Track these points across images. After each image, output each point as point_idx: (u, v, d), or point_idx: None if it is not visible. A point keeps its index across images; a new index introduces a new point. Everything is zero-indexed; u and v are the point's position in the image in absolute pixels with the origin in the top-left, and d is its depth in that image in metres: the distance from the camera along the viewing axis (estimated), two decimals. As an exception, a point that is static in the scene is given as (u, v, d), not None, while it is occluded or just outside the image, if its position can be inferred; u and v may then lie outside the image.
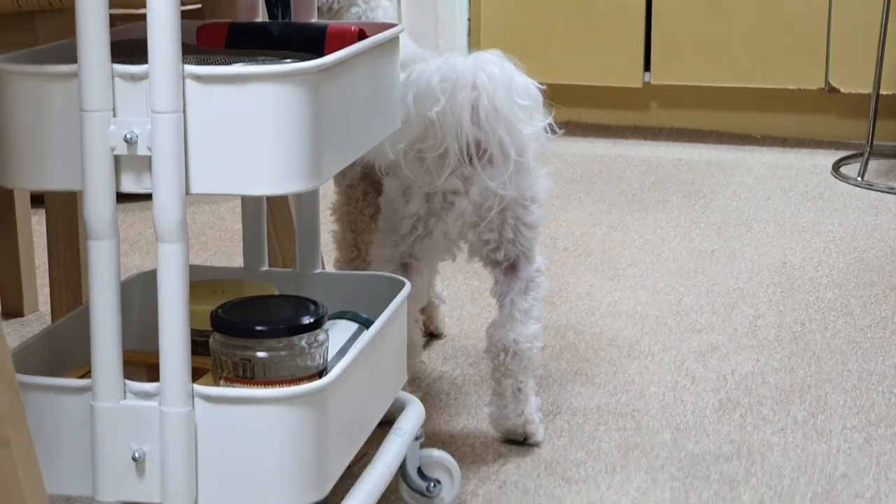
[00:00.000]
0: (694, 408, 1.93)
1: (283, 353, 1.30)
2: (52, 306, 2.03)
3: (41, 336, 1.40)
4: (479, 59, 1.64)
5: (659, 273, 2.54)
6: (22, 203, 2.27)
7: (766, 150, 3.58)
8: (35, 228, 2.35)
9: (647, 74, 3.69)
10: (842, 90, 3.59)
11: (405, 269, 1.72)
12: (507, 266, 1.75)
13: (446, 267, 2.53)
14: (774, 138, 3.67)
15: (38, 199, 2.44)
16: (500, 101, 1.61)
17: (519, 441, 1.79)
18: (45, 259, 2.30)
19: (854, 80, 3.57)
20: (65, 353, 1.42)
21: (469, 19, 3.84)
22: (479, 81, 1.61)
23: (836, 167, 3.38)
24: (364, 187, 1.98)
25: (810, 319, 2.29)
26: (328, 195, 2.93)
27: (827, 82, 3.59)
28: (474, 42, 3.76)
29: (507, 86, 1.62)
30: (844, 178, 3.27)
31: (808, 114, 3.67)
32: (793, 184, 3.23)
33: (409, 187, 1.69)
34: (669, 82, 3.69)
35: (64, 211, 1.94)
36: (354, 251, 2.02)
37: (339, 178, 2.02)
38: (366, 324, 1.48)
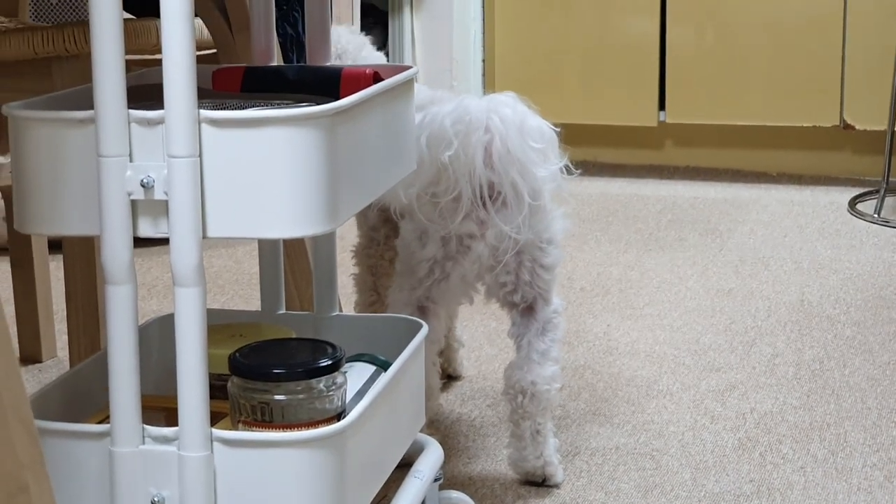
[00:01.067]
0: (713, 447, 1.92)
1: (301, 396, 1.30)
2: (70, 352, 2.03)
3: (60, 382, 1.40)
4: (493, 102, 1.64)
5: (676, 312, 2.53)
6: (40, 249, 2.27)
7: (782, 188, 3.58)
8: (53, 274, 2.35)
9: (661, 113, 3.70)
10: (857, 127, 3.59)
11: (423, 312, 1.72)
12: (525, 308, 1.74)
13: (464, 308, 2.53)
14: (790, 176, 3.67)
15: (55, 245, 2.44)
16: (513, 144, 1.61)
17: (538, 483, 1.78)
18: (63, 305, 2.31)
19: (869, 117, 3.57)
20: (83, 399, 1.42)
21: (483, 60, 3.85)
22: (491, 124, 1.62)
23: (853, 204, 3.37)
24: (386, 230, 1.98)
25: (829, 357, 2.28)
26: (345, 237, 2.93)
27: (842, 119, 3.59)
28: (489, 83, 3.77)
29: (519, 128, 1.62)
30: (861, 215, 3.27)
31: (823, 151, 3.67)
32: (809, 221, 3.22)
33: (424, 231, 1.69)
34: (684, 121, 3.70)
35: (81, 256, 1.94)
36: (374, 295, 2.02)
37: (362, 220, 2.02)
38: (384, 366, 1.48)
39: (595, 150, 3.79)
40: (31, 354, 2.30)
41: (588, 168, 3.75)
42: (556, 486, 1.78)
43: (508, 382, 1.75)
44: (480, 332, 2.42)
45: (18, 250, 2.26)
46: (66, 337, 2.21)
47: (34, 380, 2.19)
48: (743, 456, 1.89)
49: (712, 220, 3.23)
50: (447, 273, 1.70)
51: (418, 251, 1.70)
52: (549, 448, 1.76)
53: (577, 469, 1.84)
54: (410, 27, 3.82)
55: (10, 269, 2.30)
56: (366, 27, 3.74)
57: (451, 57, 3.79)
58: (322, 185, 1.21)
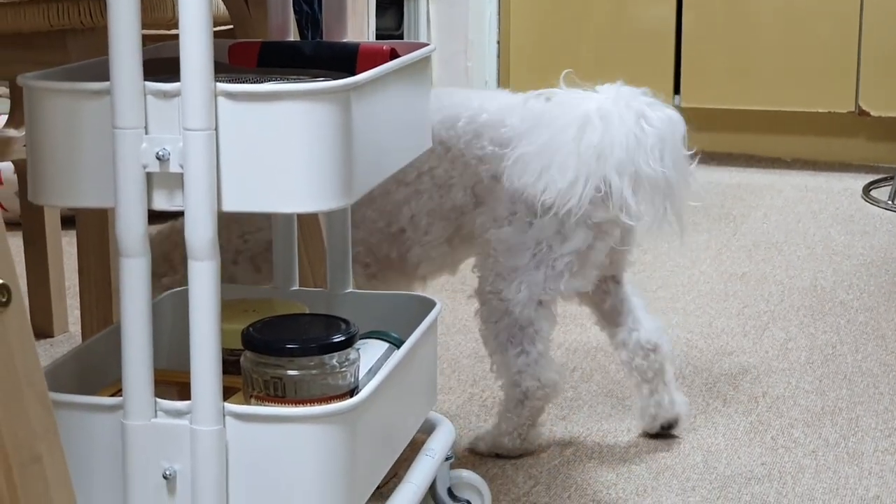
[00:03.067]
0: (725, 430, 1.92)
1: (314, 371, 1.29)
2: (82, 326, 2.03)
3: (72, 355, 1.40)
4: (636, 97, 1.68)
5: (689, 296, 2.53)
6: (52, 224, 2.27)
7: (797, 173, 3.57)
8: (64, 250, 2.35)
9: (676, 97, 3.69)
10: (872, 113, 3.58)
11: (543, 306, 1.77)
12: (613, 280, 1.84)
13: (475, 289, 2.52)
14: (804, 161, 3.66)
15: (67, 221, 2.45)
16: (670, 139, 1.66)
17: (666, 430, 1.86)
18: (75, 280, 2.31)
19: (884, 104, 3.55)
20: (96, 372, 1.42)
21: (498, 42, 3.84)
22: (646, 119, 1.66)
23: (867, 190, 3.36)
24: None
25: (841, 342, 2.27)
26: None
27: (857, 105, 3.58)
28: (503, 65, 3.76)
29: (673, 123, 1.68)
30: (875, 202, 3.26)
31: (838, 137, 3.66)
32: (823, 207, 3.21)
33: (563, 223, 1.70)
34: (699, 105, 3.68)
35: (94, 230, 1.94)
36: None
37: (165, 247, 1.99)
38: (397, 343, 1.47)
39: (609, 133, 3.78)
40: (42, 329, 2.30)
41: (601, 151, 3.74)
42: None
43: (628, 347, 1.83)
44: (492, 312, 2.41)
45: (31, 225, 2.26)
46: (77, 312, 2.21)
47: (45, 354, 2.19)
48: (755, 439, 1.88)
49: (726, 205, 3.22)
50: (585, 262, 1.73)
51: (557, 245, 1.72)
52: (678, 393, 1.87)
53: (589, 450, 1.84)
54: (426, 8, 3.81)
55: (22, 244, 2.30)
56: (381, 9, 3.73)
57: (467, 38, 3.78)
58: (338, 161, 1.21)
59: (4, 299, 0.81)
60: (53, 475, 0.83)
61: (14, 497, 0.81)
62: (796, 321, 2.38)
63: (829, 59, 3.57)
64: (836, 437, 1.89)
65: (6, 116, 2.22)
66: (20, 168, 2.26)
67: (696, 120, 3.70)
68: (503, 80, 3.75)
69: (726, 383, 2.09)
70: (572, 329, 2.33)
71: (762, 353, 2.22)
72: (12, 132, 2.16)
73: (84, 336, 2.03)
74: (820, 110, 3.61)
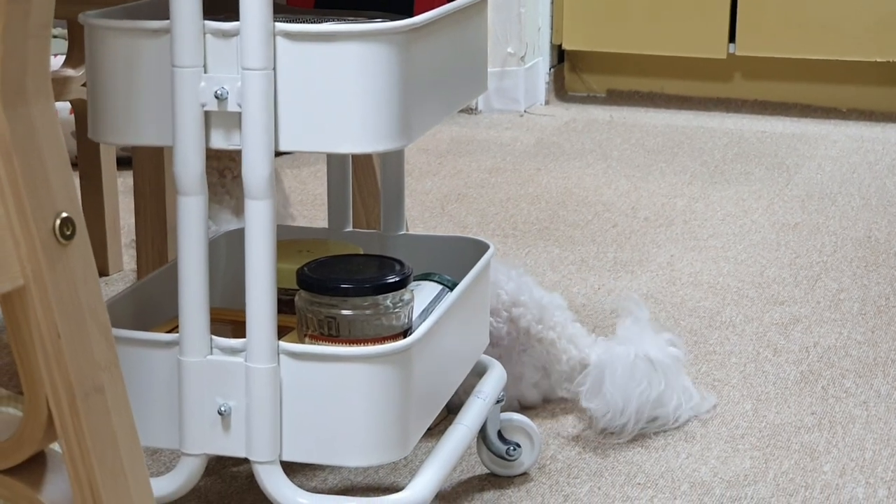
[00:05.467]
0: (775, 379, 1.92)
1: (367, 311, 1.30)
2: (138, 265, 2.05)
3: (129, 292, 1.42)
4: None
5: (741, 245, 2.52)
6: (108, 165, 2.29)
7: (852, 124, 3.54)
8: (119, 190, 2.37)
9: (731, 45, 3.66)
10: (930, 64, 3.53)
11: None
12: None
13: (526, 234, 2.53)
14: (861, 111, 3.63)
15: (122, 162, 2.46)
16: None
17: None
18: (129, 221, 2.33)
19: (943, 54, 3.51)
20: (152, 310, 1.44)
21: (552, -12, 3.82)
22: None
23: (923, 142, 3.33)
24: None
25: (895, 294, 2.26)
26: (410, 160, 2.94)
27: (916, 55, 3.54)
28: (557, 11, 3.74)
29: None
30: (931, 153, 3.23)
31: (895, 87, 3.62)
32: (879, 157, 3.18)
33: None
34: (754, 54, 3.65)
35: (151, 170, 1.96)
36: None
37: None
38: (450, 286, 1.48)
39: (662, 81, 3.76)
40: (97, 267, 2.32)
41: (654, 99, 3.73)
42: None
43: None
44: (543, 258, 2.42)
45: (87, 164, 2.28)
46: (131, 251, 2.23)
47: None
48: (805, 389, 1.88)
49: (779, 155, 3.20)
50: None
51: None
52: None
53: (638, 396, 1.85)
54: (480, -48, 3.79)
55: (78, 182, 2.32)
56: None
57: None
58: (394, 102, 1.21)
59: (69, 232, 0.82)
60: (115, 405, 0.84)
61: (77, 425, 0.82)
62: (849, 272, 2.37)
63: (889, 7, 3.52)
64: (888, 388, 1.89)
65: (64, 56, 2.23)
66: (77, 108, 2.28)
67: (751, 68, 3.68)
68: (556, 26, 3.73)
69: (777, 333, 2.09)
70: (622, 276, 2.33)
71: (814, 303, 2.22)
72: (70, 72, 2.17)
73: (140, 274, 2.06)
74: (878, 59, 3.57)
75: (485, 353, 1.59)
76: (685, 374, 1.79)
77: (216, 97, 1.21)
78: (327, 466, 1.61)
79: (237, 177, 2.09)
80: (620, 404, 1.70)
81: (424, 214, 2.66)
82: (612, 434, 1.71)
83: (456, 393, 1.48)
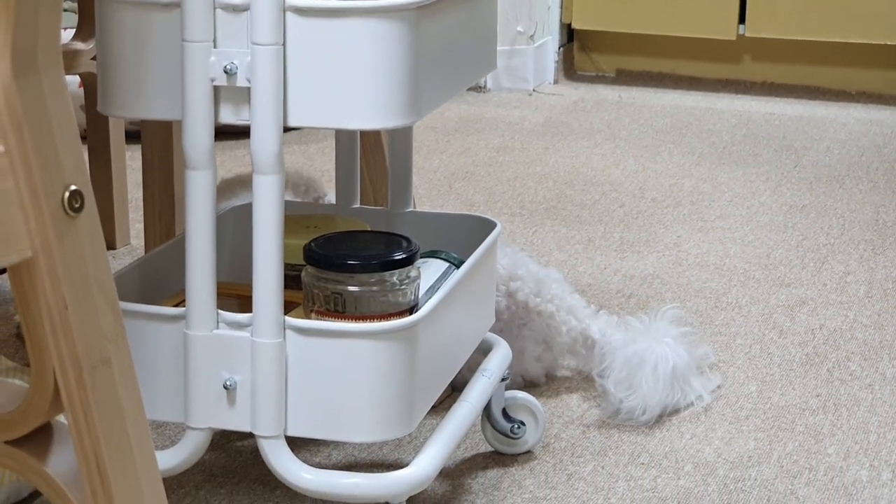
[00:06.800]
0: (781, 360, 1.92)
1: (374, 288, 1.31)
2: (145, 239, 2.06)
3: (136, 265, 1.42)
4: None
5: (748, 226, 2.52)
6: (116, 139, 2.29)
7: (861, 107, 3.53)
8: (127, 165, 2.37)
9: (741, 27, 3.65)
10: (941, 47, 3.52)
11: None
12: None
13: (533, 214, 2.53)
14: (870, 94, 3.62)
15: (129, 137, 2.46)
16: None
17: None
18: (137, 195, 2.33)
19: (954, 38, 3.50)
20: (159, 283, 1.44)
21: (563, -33, 3.81)
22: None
23: (932, 125, 3.32)
24: None
25: (901, 277, 2.26)
26: (418, 138, 2.94)
27: (926, 39, 3.53)
28: (567, -10, 3.73)
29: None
30: (940, 137, 3.22)
31: (905, 71, 3.61)
32: (887, 140, 3.18)
33: None
34: (764, 35, 3.64)
35: (159, 145, 1.96)
36: None
37: None
38: (457, 263, 1.48)
39: (671, 61, 3.75)
40: (105, 241, 2.32)
41: (663, 80, 3.72)
42: None
43: None
44: (550, 237, 2.42)
45: (96, 138, 2.28)
46: (138, 225, 2.24)
47: (108, 266, 2.22)
48: (810, 371, 1.89)
49: (788, 137, 3.20)
50: None
51: None
52: None
53: (643, 376, 1.85)
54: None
55: (87, 156, 2.33)
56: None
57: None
58: (404, 78, 1.21)
59: (78, 205, 0.82)
60: (121, 378, 0.85)
61: (84, 397, 0.82)
62: (856, 255, 2.37)
63: (899, -8, 3.51)
64: (894, 371, 1.89)
65: (73, 30, 2.23)
66: (86, 81, 2.28)
67: (761, 50, 3.67)
68: (566, 5, 3.72)
69: (783, 314, 2.09)
70: (629, 256, 2.33)
71: (820, 285, 2.22)
72: (79, 45, 2.17)
73: (147, 248, 2.06)
74: (888, 42, 3.56)
75: None
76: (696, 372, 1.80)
77: (225, 72, 1.21)
78: (332, 442, 1.61)
79: None
80: (655, 400, 1.70)
81: (432, 192, 2.66)
82: (628, 420, 1.71)
83: (461, 370, 1.48)
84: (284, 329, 1.27)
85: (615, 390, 1.71)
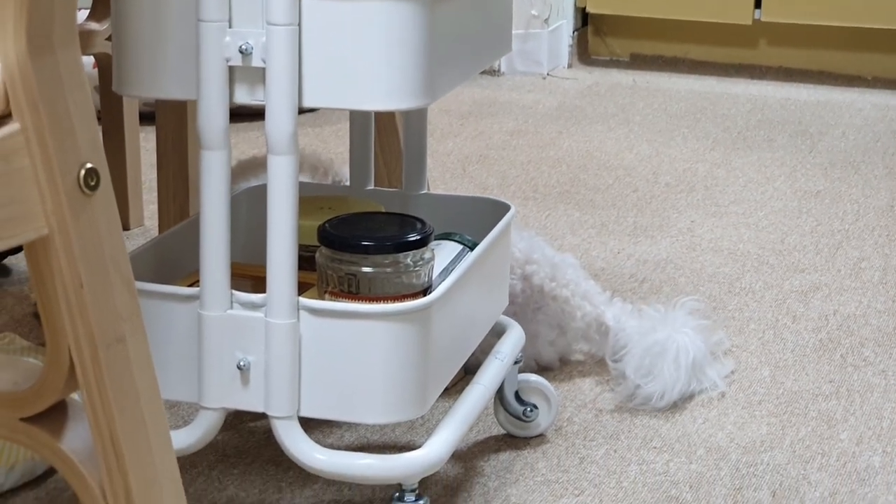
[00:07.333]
0: (794, 346, 1.92)
1: (388, 269, 1.31)
2: (159, 219, 2.06)
3: (151, 245, 1.42)
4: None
5: (762, 211, 2.51)
6: (130, 119, 2.29)
7: (877, 92, 3.52)
8: (140, 146, 2.38)
9: (757, 11, 3.64)
10: (957, 33, 3.51)
11: None
12: None
13: (547, 198, 2.53)
14: (886, 80, 3.61)
15: (144, 117, 2.46)
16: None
17: None
18: (151, 176, 2.33)
19: (970, 24, 3.48)
20: (172, 263, 1.44)
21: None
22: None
23: (948, 112, 3.31)
24: None
25: (916, 263, 2.26)
26: (433, 121, 2.93)
27: (942, 25, 3.51)
28: (582, -26, 3.73)
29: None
30: (956, 124, 3.21)
31: (921, 57, 3.60)
32: (903, 127, 3.17)
33: None
34: (780, 20, 3.63)
35: (174, 125, 1.96)
36: None
37: None
38: (470, 246, 1.48)
39: (686, 46, 3.74)
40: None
41: (678, 64, 3.71)
42: None
43: None
44: (563, 221, 2.42)
45: (110, 119, 2.29)
46: (152, 206, 2.24)
47: (122, 247, 2.22)
48: (823, 356, 1.88)
49: (803, 122, 3.19)
50: None
51: None
52: None
53: (656, 360, 1.85)
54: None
55: (101, 137, 2.33)
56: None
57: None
58: (419, 60, 1.21)
59: (93, 183, 0.82)
60: (136, 356, 0.85)
61: (99, 375, 0.83)
62: (871, 241, 2.36)
63: (916, -23, 3.50)
64: (906, 357, 1.89)
65: (88, 10, 2.23)
66: (101, 62, 2.28)
67: (776, 35, 3.66)
68: (582, -10, 3.72)
69: (797, 300, 2.08)
70: (642, 240, 2.33)
71: (834, 271, 2.21)
72: (94, 25, 2.17)
73: (161, 229, 2.06)
74: (904, 29, 3.54)
75: None
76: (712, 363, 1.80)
77: (241, 52, 1.21)
78: (344, 423, 1.62)
79: None
80: (674, 387, 1.70)
81: (445, 175, 2.66)
82: (643, 405, 1.71)
83: (474, 353, 1.48)
84: (298, 310, 1.27)
85: (634, 376, 1.71)
